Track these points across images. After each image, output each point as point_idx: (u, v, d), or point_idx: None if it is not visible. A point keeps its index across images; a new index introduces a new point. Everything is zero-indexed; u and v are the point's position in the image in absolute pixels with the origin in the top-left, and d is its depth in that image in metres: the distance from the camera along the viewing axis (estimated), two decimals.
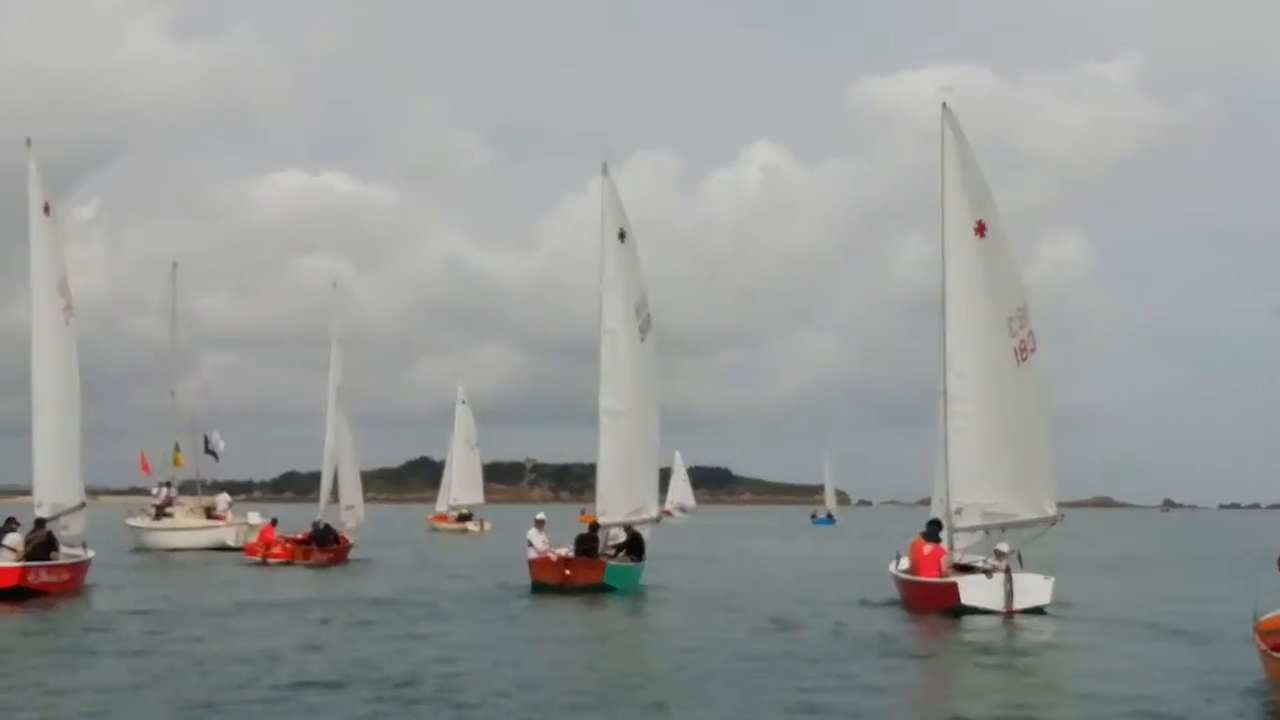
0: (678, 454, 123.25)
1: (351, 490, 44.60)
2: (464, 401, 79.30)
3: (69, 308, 29.14)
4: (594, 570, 27.88)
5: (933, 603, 23.31)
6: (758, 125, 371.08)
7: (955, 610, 22.40)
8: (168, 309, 54.35)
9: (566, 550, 28.98)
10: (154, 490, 51.90)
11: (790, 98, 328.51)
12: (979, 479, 24.50)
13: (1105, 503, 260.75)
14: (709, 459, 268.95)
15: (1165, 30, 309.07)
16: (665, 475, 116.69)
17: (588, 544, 28.98)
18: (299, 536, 41.98)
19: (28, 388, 28.49)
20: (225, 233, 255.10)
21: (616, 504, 29.92)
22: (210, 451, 52.98)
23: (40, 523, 27.50)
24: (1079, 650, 18.99)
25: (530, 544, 29.22)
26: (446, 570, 37.49)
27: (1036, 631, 20.93)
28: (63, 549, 27.86)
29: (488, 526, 73.32)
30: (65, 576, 27.23)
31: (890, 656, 17.88)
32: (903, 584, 25.24)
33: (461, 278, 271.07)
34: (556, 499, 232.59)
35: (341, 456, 44.74)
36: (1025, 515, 24.33)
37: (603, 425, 30.20)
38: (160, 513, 50.69)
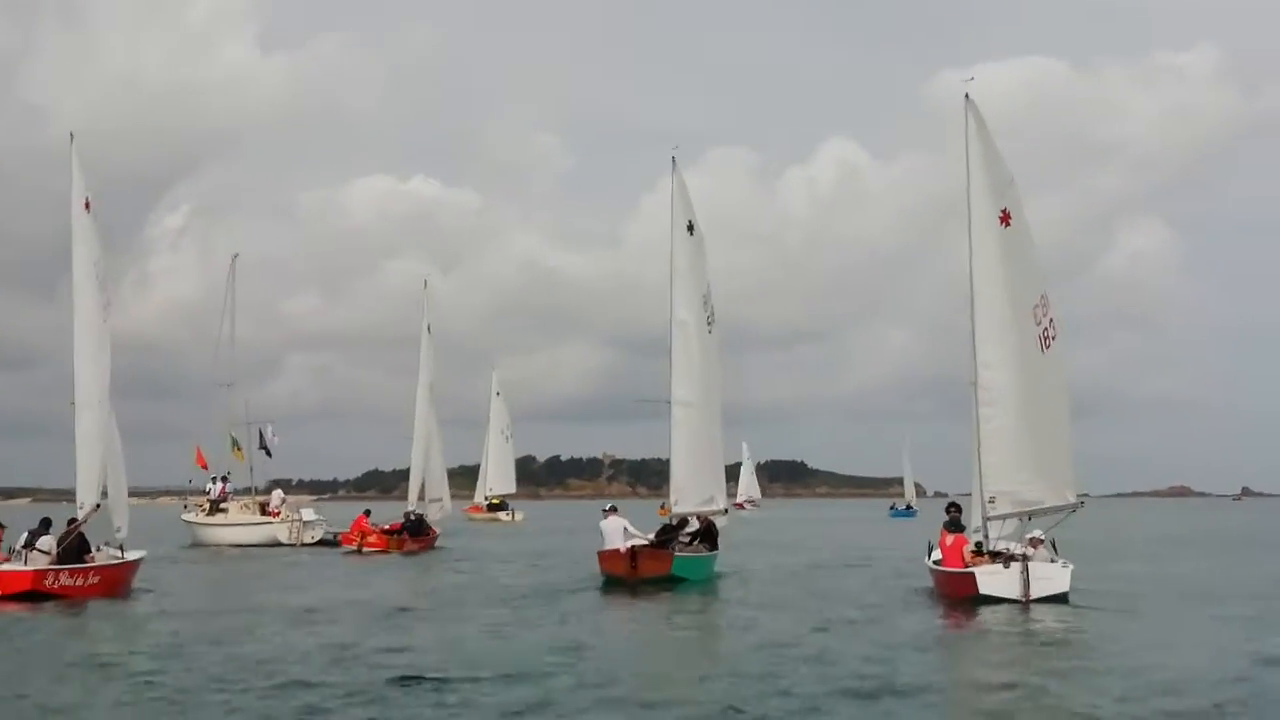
0: (745, 446, 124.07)
1: (439, 484, 48.65)
2: (499, 394, 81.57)
3: (109, 305, 29.15)
4: (662, 562, 28.75)
5: (955, 592, 24.09)
6: (832, 121, 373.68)
7: (975, 599, 23.11)
8: (225, 304, 55.97)
9: (642, 539, 29.83)
10: (207, 486, 53.35)
11: (865, 93, 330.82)
12: (1009, 467, 25.11)
13: (1183, 491, 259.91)
14: (784, 452, 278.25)
15: (1241, 18, 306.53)
16: (734, 468, 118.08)
17: (668, 534, 30.09)
18: (388, 527, 45.55)
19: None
20: (314, 237, 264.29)
21: (687, 493, 31.10)
22: (264, 447, 54.63)
23: (72, 523, 27.29)
24: (1089, 637, 19.59)
25: (604, 533, 29.94)
26: (517, 561, 39.28)
27: (1053, 620, 21.41)
28: (107, 550, 27.86)
29: (519, 516, 75.36)
30: (94, 580, 26.60)
31: (907, 649, 18.32)
32: (933, 574, 26.11)
33: (541, 278, 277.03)
34: (634, 494, 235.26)
35: (430, 452, 48.22)
36: (1051, 502, 24.95)
37: (674, 415, 31.35)
38: (214, 508, 52.13)
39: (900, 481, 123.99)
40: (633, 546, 29.10)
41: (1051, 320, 24.90)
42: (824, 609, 23.59)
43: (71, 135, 29.19)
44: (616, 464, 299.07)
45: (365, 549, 43.40)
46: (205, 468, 53.95)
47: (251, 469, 54.55)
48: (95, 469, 28.42)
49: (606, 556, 29.32)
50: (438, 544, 46.68)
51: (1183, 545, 51.59)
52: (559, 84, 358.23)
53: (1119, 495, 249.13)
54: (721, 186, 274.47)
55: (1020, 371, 25.14)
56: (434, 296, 52.69)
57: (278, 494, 53.82)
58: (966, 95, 25.80)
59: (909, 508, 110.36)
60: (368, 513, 48.45)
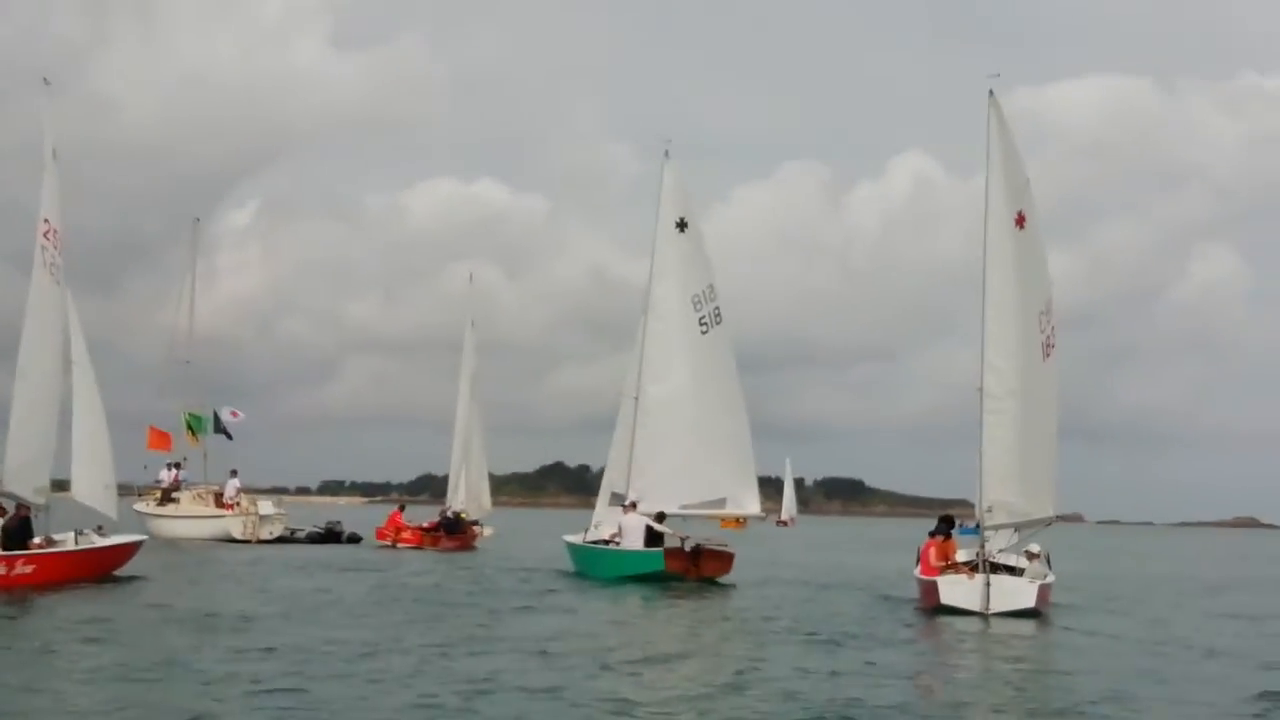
0: (788, 462, 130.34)
1: (477, 481, 54.03)
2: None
3: (57, 265, 30.31)
4: (724, 562, 33.89)
5: (925, 601, 27.24)
6: (907, 136, 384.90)
7: (938, 609, 26.00)
8: (186, 275, 59.01)
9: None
10: (160, 474, 54.84)
11: (941, 108, 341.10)
12: (1008, 476, 27.72)
13: (1250, 523, 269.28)
14: (842, 470, 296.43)
15: None
16: (774, 483, 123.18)
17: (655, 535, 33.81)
18: (425, 525, 51.52)
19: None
20: (377, 240, 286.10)
21: (654, 491, 34.52)
22: (221, 429, 56.18)
23: (18, 506, 28.61)
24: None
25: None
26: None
27: (995, 632, 23.96)
28: (89, 535, 29.38)
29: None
30: (27, 569, 27.46)
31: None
32: (917, 582, 28.93)
33: (606, 287, 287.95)
34: None
35: (471, 448, 53.24)
36: (1038, 514, 27.91)
37: (642, 409, 35.05)
38: (166, 497, 53.62)
39: (964, 503, 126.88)
40: (696, 546, 33.61)
41: (1054, 328, 27.57)
42: (781, 618, 26.62)
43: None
44: None
45: (399, 544, 49.71)
46: (169, 449, 54.99)
47: (205, 454, 56.15)
48: (35, 444, 29.51)
49: (671, 555, 33.21)
50: (478, 544, 51.50)
51: (1191, 572, 55.39)
52: (629, 91, 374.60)
53: (1184, 524, 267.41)
54: (793, 200, 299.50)
55: (1024, 378, 27.55)
56: (487, 301, 56.87)
57: (233, 483, 54.31)
58: (990, 91, 27.99)
59: (976, 526, 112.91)
60: (402, 508, 55.15)
